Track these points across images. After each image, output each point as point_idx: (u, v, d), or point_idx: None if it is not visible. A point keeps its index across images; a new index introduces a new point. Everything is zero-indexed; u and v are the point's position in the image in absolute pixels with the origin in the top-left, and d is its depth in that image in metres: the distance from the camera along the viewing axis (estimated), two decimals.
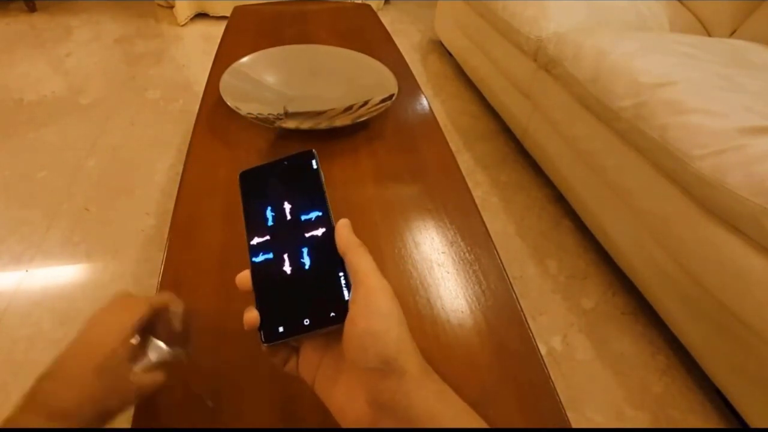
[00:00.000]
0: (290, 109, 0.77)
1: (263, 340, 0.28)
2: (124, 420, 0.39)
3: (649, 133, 0.87)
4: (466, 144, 1.53)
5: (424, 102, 0.88)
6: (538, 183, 1.37)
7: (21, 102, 1.61)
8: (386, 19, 1.94)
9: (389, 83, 0.81)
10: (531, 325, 0.49)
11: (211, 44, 1.92)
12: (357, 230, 0.58)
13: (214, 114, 0.79)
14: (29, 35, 2.08)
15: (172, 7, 2.27)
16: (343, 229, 0.30)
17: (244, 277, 0.30)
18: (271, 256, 0.30)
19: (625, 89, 0.94)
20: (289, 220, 0.31)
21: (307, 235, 0.30)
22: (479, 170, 1.41)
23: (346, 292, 0.28)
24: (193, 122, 0.78)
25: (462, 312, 0.50)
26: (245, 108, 0.74)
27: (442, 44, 2.05)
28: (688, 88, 0.87)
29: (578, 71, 1.07)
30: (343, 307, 0.27)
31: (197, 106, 0.82)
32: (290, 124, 0.72)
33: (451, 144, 0.77)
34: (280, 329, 0.28)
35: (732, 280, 0.73)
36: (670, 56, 0.99)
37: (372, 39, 1.14)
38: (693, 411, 0.86)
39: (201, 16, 2.32)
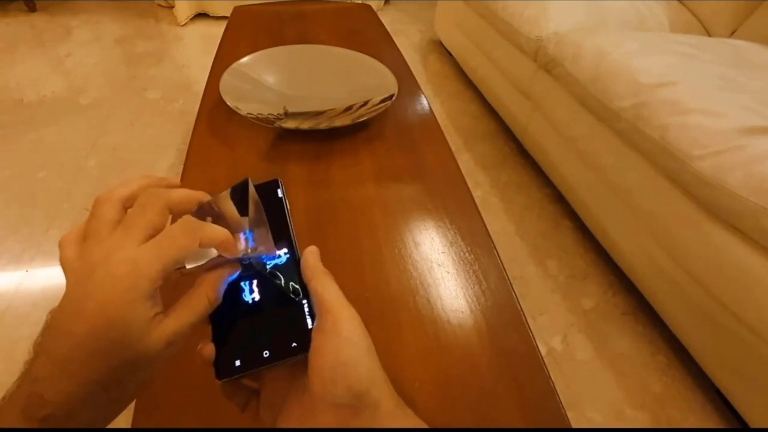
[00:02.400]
0: (290, 109, 0.77)
1: (216, 375, 0.26)
2: (124, 420, 0.39)
3: (649, 133, 0.87)
4: (466, 144, 1.53)
5: (424, 102, 0.88)
6: (538, 183, 1.37)
7: (21, 102, 1.61)
8: (386, 19, 1.94)
9: (389, 83, 0.81)
10: (531, 325, 0.49)
11: (211, 44, 1.92)
12: (357, 230, 0.58)
13: (214, 114, 0.79)
14: (29, 35, 2.07)
15: (172, 7, 2.27)
16: (309, 256, 0.28)
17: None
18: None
19: (625, 89, 0.94)
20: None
21: (269, 263, 0.29)
22: (479, 170, 1.41)
23: (309, 321, 0.27)
24: (193, 122, 0.78)
25: (462, 312, 0.50)
26: (245, 108, 0.74)
27: (442, 44, 2.05)
28: (688, 88, 0.87)
29: (578, 71, 1.07)
30: (306, 337, 0.26)
31: (197, 106, 0.82)
32: (290, 124, 0.72)
33: (451, 144, 0.77)
34: (237, 363, 0.26)
35: (732, 280, 0.73)
36: (670, 56, 0.99)
37: (372, 39, 1.14)
38: (693, 411, 0.86)
39: (201, 16, 2.32)
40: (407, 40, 2.22)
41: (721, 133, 0.78)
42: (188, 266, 0.25)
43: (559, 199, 1.29)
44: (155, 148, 1.42)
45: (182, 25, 2.23)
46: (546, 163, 1.30)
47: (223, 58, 0.93)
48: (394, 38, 1.15)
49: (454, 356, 0.46)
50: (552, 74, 1.20)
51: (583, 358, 0.93)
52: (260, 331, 0.27)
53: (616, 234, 1.02)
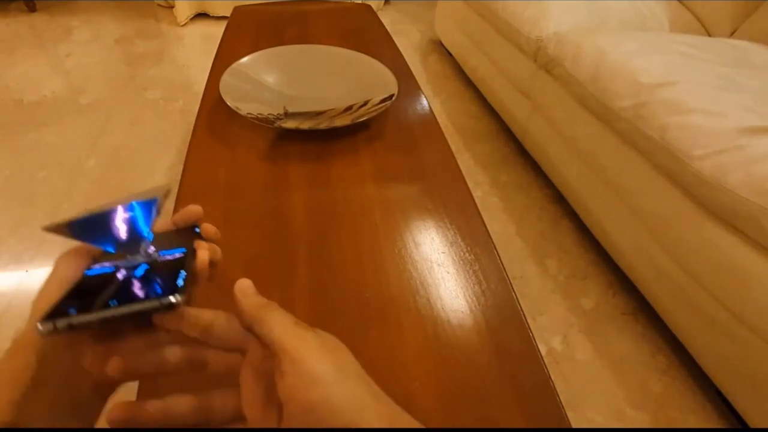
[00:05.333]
0: (290, 109, 0.77)
1: (41, 323, 0.22)
2: None
3: (649, 133, 0.87)
4: (466, 144, 1.53)
5: (424, 102, 0.88)
6: (538, 183, 1.37)
7: (21, 102, 1.61)
8: (386, 19, 1.94)
9: (389, 83, 0.81)
10: (531, 325, 0.49)
11: (211, 44, 1.92)
12: (357, 230, 0.58)
13: (214, 114, 0.79)
14: (29, 35, 2.08)
15: (172, 7, 2.27)
16: (241, 296, 0.25)
17: None
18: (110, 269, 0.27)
19: (625, 89, 0.94)
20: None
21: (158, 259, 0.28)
22: (479, 170, 1.41)
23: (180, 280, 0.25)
24: (193, 122, 0.78)
25: (462, 312, 0.50)
26: (245, 108, 0.74)
27: (442, 44, 2.05)
28: (688, 88, 0.87)
29: (578, 71, 1.07)
30: (172, 286, 0.24)
31: (197, 106, 0.82)
32: (290, 124, 0.72)
33: (451, 144, 0.77)
34: (71, 311, 0.23)
35: (732, 280, 0.73)
36: (670, 56, 0.99)
37: (372, 39, 1.14)
38: (693, 411, 0.86)
39: (201, 16, 2.32)
40: (407, 40, 2.21)
41: (721, 133, 0.78)
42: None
43: (559, 199, 1.29)
44: (155, 148, 1.42)
45: (182, 25, 2.23)
46: (546, 163, 1.30)
47: (223, 58, 0.93)
48: (394, 38, 1.15)
49: (454, 356, 0.46)
50: (552, 74, 1.20)
51: (583, 358, 0.93)
52: (116, 292, 0.25)
53: (616, 234, 1.02)
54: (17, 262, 1.05)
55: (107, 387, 0.26)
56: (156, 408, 0.25)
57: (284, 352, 0.22)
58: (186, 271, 0.26)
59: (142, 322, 0.26)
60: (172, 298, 0.23)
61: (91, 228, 0.28)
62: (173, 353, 0.27)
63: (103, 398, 0.26)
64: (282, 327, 0.23)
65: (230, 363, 0.26)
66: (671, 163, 0.83)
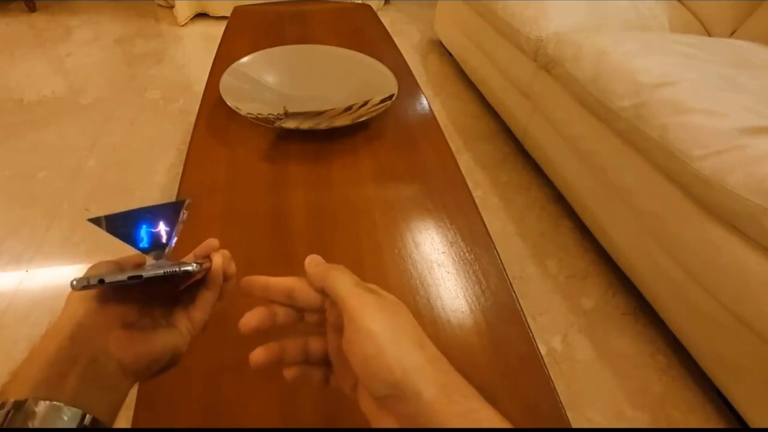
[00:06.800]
0: (290, 109, 0.77)
1: (75, 279, 0.25)
2: (125, 420, 0.39)
3: (649, 133, 0.87)
4: (466, 144, 1.53)
5: (424, 102, 0.88)
6: (538, 183, 1.37)
7: (21, 102, 1.61)
8: (386, 19, 1.94)
9: (389, 83, 0.81)
10: (531, 325, 0.49)
11: (211, 44, 1.91)
12: (357, 230, 0.58)
13: (214, 114, 0.79)
14: (29, 35, 2.08)
15: (172, 7, 2.27)
16: (309, 267, 0.28)
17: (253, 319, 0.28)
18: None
19: (625, 89, 0.94)
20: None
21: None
22: (479, 170, 1.41)
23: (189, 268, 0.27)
24: (193, 122, 0.78)
25: (462, 312, 0.50)
26: (245, 108, 0.74)
27: (442, 44, 2.05)
28: (688, 88, 0.87)
29: (578, 71, 1.07)
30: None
31: (197, 106, 0.82)
32: (290, 124, 0.73)
33: (451, 144, 0.77)
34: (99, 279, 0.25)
35: (732, 280, 0.73)
36: (670, 56, 0.99)
37: (372, 39, 1.14)
38: (693, 411, 0.86)
39: (201, 16, 2.32)
40: (407, 40, 2.21)
41: (721, 133, 0.78)
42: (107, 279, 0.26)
43: (559, 199, 1.29)
44: (155, 148, 1.42)
45: (182, 25, 2.23)
46: (546, 163, 1.30)
47: (223, 58, 0.93)
48: (394, 38, 1.15)
49: (454, 356, 0.46)
50: (552, 74, 1.20)
51: (583, 358, 0.93)
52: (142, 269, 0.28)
53: (616, 234, 1.02)
54: (17, 262, 1.05)
55: (139, 373, 0.28)
56: (278, 349, 0.28)
57: (345, 309, 0.24)
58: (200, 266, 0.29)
59: (164, 291, 0.31)
60: (188, 267, 0.27)
61: (122, 224, 0.31)
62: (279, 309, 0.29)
63: (132, 382, 0.28)
64: (344, 286, 0.25)
65: (318, 319, 0.29)
66: (671, 163, 0.82)
